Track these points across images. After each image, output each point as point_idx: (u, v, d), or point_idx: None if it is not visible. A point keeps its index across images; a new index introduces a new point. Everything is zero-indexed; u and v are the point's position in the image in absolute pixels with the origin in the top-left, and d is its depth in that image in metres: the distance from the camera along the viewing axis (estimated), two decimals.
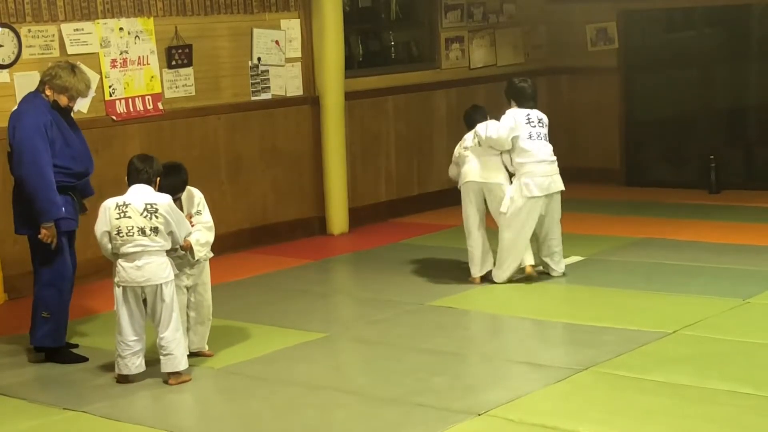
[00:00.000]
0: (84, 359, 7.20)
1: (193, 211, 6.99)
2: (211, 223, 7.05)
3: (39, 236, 7.01)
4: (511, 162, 8.70)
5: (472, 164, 8.78)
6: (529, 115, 8.72)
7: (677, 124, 13.22)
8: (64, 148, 7.08)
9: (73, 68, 7.18)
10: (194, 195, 7.05)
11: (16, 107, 7.27)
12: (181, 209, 6.90)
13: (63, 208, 7.02)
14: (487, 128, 8.74)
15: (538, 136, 8.67)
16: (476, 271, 8.88)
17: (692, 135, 13.10)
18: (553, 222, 8.82)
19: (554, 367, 6.71)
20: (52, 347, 7.22)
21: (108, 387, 6.70)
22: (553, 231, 8.85)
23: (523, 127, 8.65)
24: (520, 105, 8.78)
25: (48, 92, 7.11)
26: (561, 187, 8.77)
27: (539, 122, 8.74)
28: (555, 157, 8.75)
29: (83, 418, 6.24)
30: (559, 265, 8.92)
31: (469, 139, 8.87)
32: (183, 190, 6.96)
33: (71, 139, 7.16)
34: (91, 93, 9.17)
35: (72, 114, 7.33)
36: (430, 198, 12.11)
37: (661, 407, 5.98)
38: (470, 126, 8.96)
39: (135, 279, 6.60)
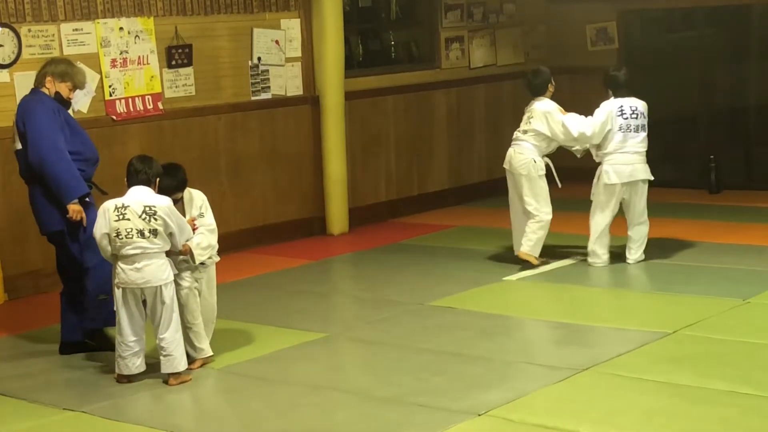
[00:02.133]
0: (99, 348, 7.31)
1: (196, 213, 6.96)
2: (213, 225, 7.01)
3: (67, 215, 7.02)
4: (596, 153, 9.16)
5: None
6: (622, 106, 9.09)
7: (677, 124, 13.22)
8: (74, 135, 7.17)
9: (69, 61, 7.32)
10: (196, 197, 7.02)
11: (19, 102, 7.33)
12: (182, 211, 6.88)
13: (84, 183, 7.07)
14: (579, 125, 9.08)
15: (628, 128, 9.04)
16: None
17: (692, 135, 13.10)
18: (635, 210, 9.10)
19: (554, 367, 6.71)
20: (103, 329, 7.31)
21: (108, 387, 6.70)
22: (633, 218, 9.14)
23: (615, 120, 9.06)
24: (616, 95, 9.17)
25: (48, 85, 7.17)
26: (644, 176, 9.07)
27: (632, 113, 9.07)
28: (644, 147, 9.08)
29: (83, 418, 6.24)
30: (632, 253, 9.17)
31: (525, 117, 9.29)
32: (181, 191, 6.93)
33: (77, 126, 7.27)
34: (92, 93, 9.20)
35: (72, 115, 7.37)
36: (430, 198, 12.12)
37: (661, 407, 5.98)
38: (535, 93, 9.39)
39: (134, 281, 6.60)
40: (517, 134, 9.27)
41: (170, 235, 6.63)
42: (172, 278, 6.70)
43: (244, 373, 6.89)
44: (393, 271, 9.42)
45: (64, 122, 7.12)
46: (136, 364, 6.72)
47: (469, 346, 7.36)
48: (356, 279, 9.75)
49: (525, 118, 9.28)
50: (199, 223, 6.94)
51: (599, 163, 9.14)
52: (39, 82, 7.24)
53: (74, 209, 7.05)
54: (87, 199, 7.16)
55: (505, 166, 9.31)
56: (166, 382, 6.69)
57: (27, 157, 7.10)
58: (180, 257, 6.83)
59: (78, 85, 7.31)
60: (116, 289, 6.68)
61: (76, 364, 7.18)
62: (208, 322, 7.10)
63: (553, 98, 9.36)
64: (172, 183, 6.84)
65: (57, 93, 7.17)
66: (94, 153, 7.34)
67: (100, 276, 7.14)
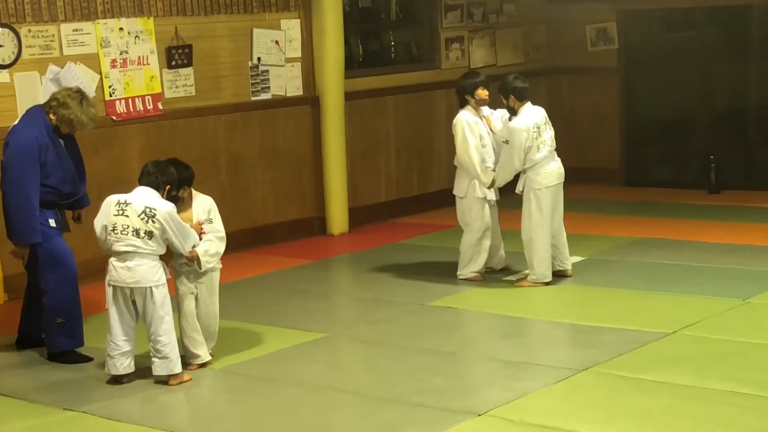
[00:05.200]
0: (89, 359, 7.21)
1: (203, 218, 6.92)
2: (222, 233, 6.96)
3: (9, 251, 7.07)
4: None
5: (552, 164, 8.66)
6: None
7: (677, 124, 13.22)
8: (57, 170, 7.11)
9: (82, 99, 7.17)
10: (206, 202, 6.98)
11: (17, 122, 7.25)
12: (184, 210, 6.83)
13: (39, 233, 7.03)
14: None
15: None
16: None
17: (692, 135, 13.11)
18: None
19: (554, 367, 6.71)
20: (73, 349, 7.25)
21: (108, 387, 6.70)
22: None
23: None
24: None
25: (52, 117, 7.12)
26: (454, 191, 9.01)
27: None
28: (456, 163, 8.92)
29: (83, 418, 6.24)
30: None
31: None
32: (174, 185, 6.78)
33: (65, 162, 7.19)
34: (91, 93, 9.20)
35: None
36: (430, 198, 12.11)
37: (660, 407, 5.98)
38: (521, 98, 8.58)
39: (124, 280, 6.59)
40: (551, 147, 8.60)
41: (166, 239, 6.61)
42: (164, 281, 6.67)
43: (244, 373, 6.89)
44: (393, 271, 9.42)
45: (51, 156, 7.04)
46: (124, 365, 6.70)
47: (469, 346, 7.36)
48: (356, 279, 9.75)
49: (540, 130, 8.53)
50: (208, 229, 6.90)
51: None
52: (47, 105, 7.16)
53: (16, 251, 7.11)
54: (53, 225, 7.15)
55: (559, 180, 8.68)
56: (165, 382, 6.68)
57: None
58: (181, 261, 6.82)
59: (80, 127, 7.19)
60: (107, 287, 6.68)
61: (77, 364, 7.17)
62: (209, 329, 7.03)
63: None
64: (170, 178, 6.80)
65: (57, 126, 7.14)
66: (75, 189, 7.28)
67: (57, 299, 7.16)
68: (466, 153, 8.73)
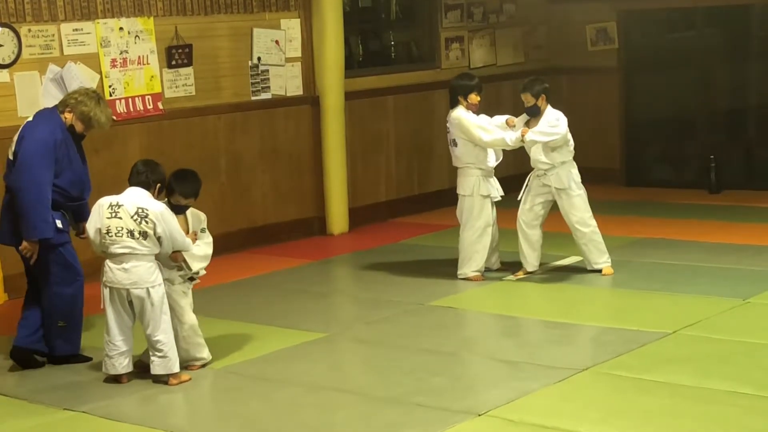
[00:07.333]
0: (88, 359, 7.20)
1: (199, 228, 6.93)
2: (210, 239, 6.99)
3: (20, 247, 7.00)
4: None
5: None
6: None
7: (677, 124, 13.22)
8: (66, 171, 7.05)
9: (99, 99, 7.15)
10: (200, 215, 7.01)
11: (30, 119, 7.15)
12: (186, 224, 6.84)
13: (53, 228, 6.97)
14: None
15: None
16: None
17: (692, 135, 13.11)
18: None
19: (554, 367, 6.71)
20: (72, 354, 7.24)
21: (107, 387, 6.70)
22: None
23: None
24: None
25: (67, 115, 7.07)
26: (459, 190, 8.97)
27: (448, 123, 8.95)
28: (458, 164, 8.91)
29: (83, 418, 6.24)
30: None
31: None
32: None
33: (76, 164, 7.14)
34: None
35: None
36: (430, 198, 12.12)
37: (660, 407, 5.98)
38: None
39: (121, 281, 6.59)
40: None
41: (159, 238, 6.60)
42: (161, 281, 6.67)
43: (244, 373, 6.89)
44: (393, 271, 9.42)
45: (63, 156, 6.99)
46: (123, 364, 6.70)
47: (469, 346, 7.36)
48: (356, 279, 9.75)
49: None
50: (199, 238, 6.92)
51: None
52: (62, 104, 7.11)
53: (27, 247, 7.01)
54: (60, 226, 7.09)
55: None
56: (165, 382, 6.68)
57: (10, 175, 7.07)
58: (173, 265, 6.81)
59: (98, 126, 7.16)
60: (103, 288, 6.68)
61: (77, 364, 7.17)
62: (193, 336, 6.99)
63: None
64: (186, 189, 6.80)
65: (72, 126, 7.08)
66: (81, 193, 7.22)
67: (60, 302, 7.14)
68: (484, 132, 8.64)
